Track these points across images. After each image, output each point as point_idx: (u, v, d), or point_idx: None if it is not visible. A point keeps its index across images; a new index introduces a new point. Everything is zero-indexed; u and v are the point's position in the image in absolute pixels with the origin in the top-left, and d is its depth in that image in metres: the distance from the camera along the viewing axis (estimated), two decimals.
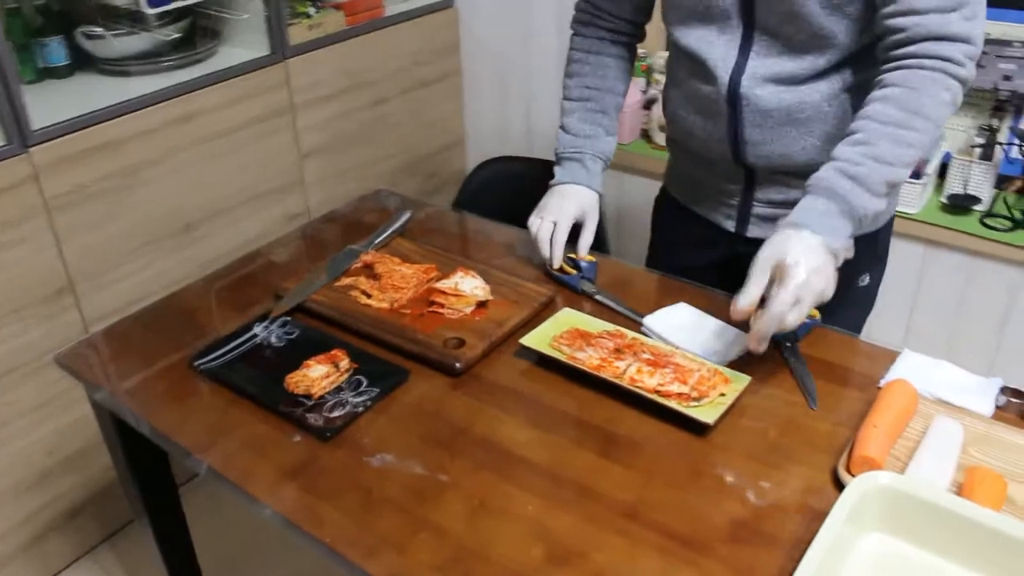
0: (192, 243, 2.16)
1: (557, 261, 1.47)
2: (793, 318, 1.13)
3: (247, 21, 2.19)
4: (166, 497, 1.55)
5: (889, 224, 1.51)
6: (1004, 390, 1.21)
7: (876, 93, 1.18)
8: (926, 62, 1.15)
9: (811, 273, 1.12)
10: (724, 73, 1.32)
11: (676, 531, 1.02)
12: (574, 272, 1.47)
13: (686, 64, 1.40)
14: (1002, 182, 2.18)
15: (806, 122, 1.31)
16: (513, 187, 2.34)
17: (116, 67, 2.08)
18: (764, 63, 1.30)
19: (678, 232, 1.61)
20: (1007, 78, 2.04)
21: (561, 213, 1.48)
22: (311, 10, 2.31)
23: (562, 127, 1.55)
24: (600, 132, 1.53)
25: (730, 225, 1.49)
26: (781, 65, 1.29)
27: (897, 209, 1.55)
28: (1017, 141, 2.12)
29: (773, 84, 1.30)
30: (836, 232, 1.15)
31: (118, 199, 1.97)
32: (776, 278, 1.14)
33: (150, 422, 1.23)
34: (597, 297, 1.43)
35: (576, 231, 1.50)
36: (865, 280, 1.50)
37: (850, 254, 1.18)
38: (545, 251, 1.47)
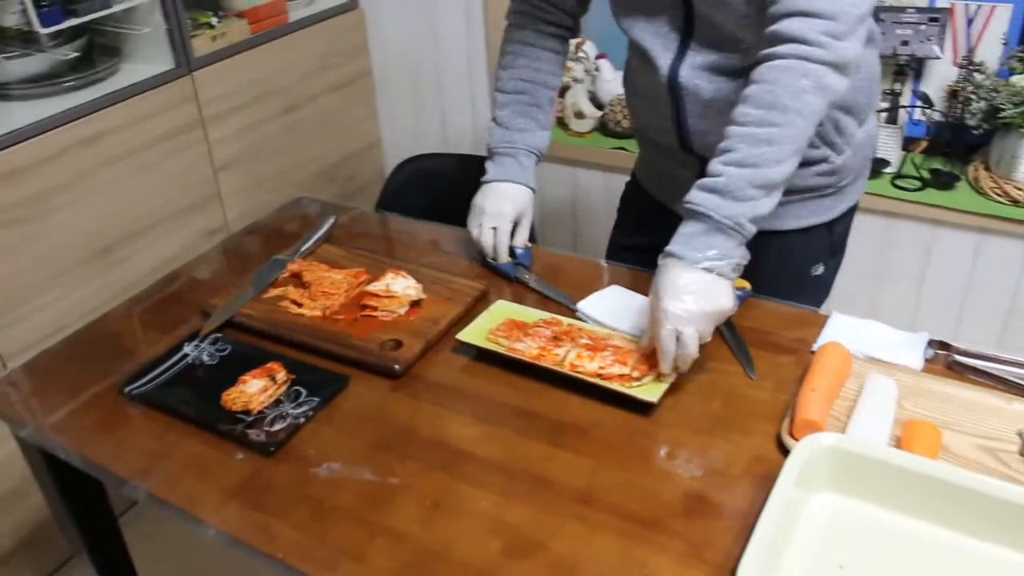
0: (111, 267, 2.10)
1: (503, 259, 1.47)
2: (687, 349, 1.14)
3: (148, 35, 2.12)
4: (105, 529, 1.50)
5: (847, 214, 1.49)
6: (931, 343, 1.25)
7: (740, 94, 1.17)
8: (781, 49, 1.12)
9: (680, 302, 1.13)
10: (664, 63, 1.32)
11: (631, 511, 1.02)
12: (509, 260, 1.47)
13: (636, 55, 1.41)
14: (908, 144, 2.25)
15: None
16: (434, 184, 2.34)
17: (12, 91, 2.00)
18: (702, 53, 1.30)
19: (642, 216, 1.62)
20: (904, 43, 2.10)
21: (501, 218, 1.47)
22: (213, 20, 2.26)
23: (495, 120, 1.53)
24: (534, 126, 1.52)
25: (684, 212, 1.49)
26: (718, 55, 1.29)
27: None
28: (919, 103, 2.19)
29: (711, 74, 1.30)
30: (709, 248, 1.15)
31: (29, 228, 1.90)
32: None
33: (83, 454, 1.19)
34: (532, 284, 1.43)
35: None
36: (819, 270, 1.50)
37: (744, 259, 1.17)
38: (491, 255, 1.48)
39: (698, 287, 1.14)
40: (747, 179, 1.13)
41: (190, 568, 2.14)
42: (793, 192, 1.37)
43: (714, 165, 1.16)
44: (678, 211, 1.47)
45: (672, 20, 1.31)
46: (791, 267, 1.47)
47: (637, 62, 1.42)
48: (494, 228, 1.47)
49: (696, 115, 1.35)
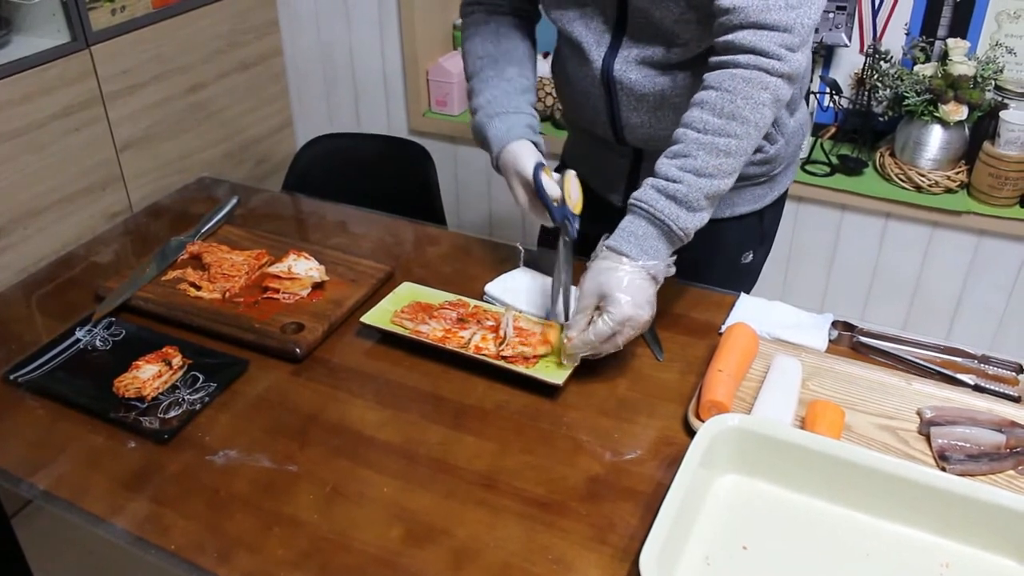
0: (2, 251, 2.00)
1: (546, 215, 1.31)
2: (608, 348, 1.14)
3: (40, 7, 2.02)
4: None
5: (777, 203, 1.48)
6: (835, 324, 1.26)
7: (696, 97, 1.14)
8: (741, 59, 1.11)
9: (635, 308, 1.11)
10: (597, 57, 1.28)
11: (535, 496, 1.01)
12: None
13: (566, 45, 1.36)
14: (818, 130, 2.29)
15: (681, 106, 1.23)
16: (342, 163, 2.28)
17: None
18: (637, 47, 1.26)
19: None
20: (814, 31, 2.13)
21: (515, 193, 1.34)
22: None
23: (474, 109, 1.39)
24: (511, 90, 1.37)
25: (618, 200, 1.46)
26: (653, 49, 1.25)
27: None
28: (828, 90, 2.22)
29: (646, 68, 1.26)
30: (657, 255, 1.14)
31: None
32: (600, 308, 1.12)
33: None
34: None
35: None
36: (748, 257, 1.49)
37: (671, 271, 1.16)
38: (541, 215, 1.33)
39: (645, 296, 1.12)
40: (703, 190, 1.12)
41: (91, 567, 2.05)
42: None
43: (670, 169, 1.13)
44: (612, 200, 1.46)
45: (605, 13, 1.26)
46: (723, 255, 1.46)
47: (568, 51, 1.36)
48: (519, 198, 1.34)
49: (631, 109, 1.31)
